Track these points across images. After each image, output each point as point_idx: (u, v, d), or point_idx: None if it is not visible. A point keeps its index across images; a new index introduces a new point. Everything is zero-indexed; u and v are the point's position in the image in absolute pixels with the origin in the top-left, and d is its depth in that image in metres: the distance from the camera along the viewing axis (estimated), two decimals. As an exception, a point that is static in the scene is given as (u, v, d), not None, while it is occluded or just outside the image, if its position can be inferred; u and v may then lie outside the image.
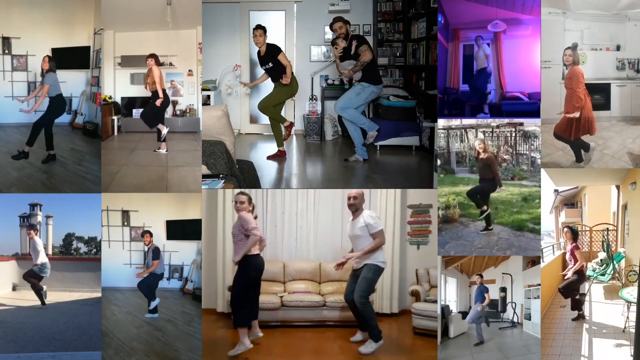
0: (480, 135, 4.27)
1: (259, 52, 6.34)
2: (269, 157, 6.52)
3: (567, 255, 4.42)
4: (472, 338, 4.37)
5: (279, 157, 6.53)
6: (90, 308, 4.39)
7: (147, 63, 4.98)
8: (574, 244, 4.35)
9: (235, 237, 4.03)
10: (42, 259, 4.66)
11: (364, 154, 6.25)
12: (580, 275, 4.36)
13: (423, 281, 5.03)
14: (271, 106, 6.46)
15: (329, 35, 8.39)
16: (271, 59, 6.25)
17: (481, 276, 4.54)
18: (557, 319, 4.40)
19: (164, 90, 5.00)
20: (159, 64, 5.03)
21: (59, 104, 4.51)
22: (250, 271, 4.03)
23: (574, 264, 4.33)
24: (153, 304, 4.60)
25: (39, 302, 4.61)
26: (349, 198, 4.14)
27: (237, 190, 4.20)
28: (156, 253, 4.64)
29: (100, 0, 4.30)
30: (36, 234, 4.65)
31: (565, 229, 4.45)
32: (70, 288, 4.84)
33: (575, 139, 4.17)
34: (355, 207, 4.13)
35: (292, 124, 6.69)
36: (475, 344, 4.27)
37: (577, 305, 4.37)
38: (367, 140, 6.29)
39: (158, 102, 4.96)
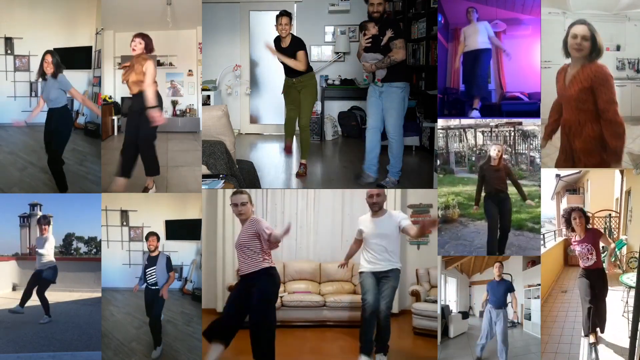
0: (489, 140, 4.20)
1: (279, 43, 5.66)
2: (285, 149, 6.16)
3: (583, 248, 3.51)
4: (472, 338, 4.36)
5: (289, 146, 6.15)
6: (90, 308, 4.39)
7: (132, 48, 3.82)
8: (593, 229, 3.52)
9: (246, 248, 3.40)
10: (53, 259, 4.42)
11: (397, 174, 5.27)
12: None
13: (423, 281, 5.03)
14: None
15: (329, 35, 8.41)
16: (293, 53, 5.57)
17: (502, 265, 3.99)
18: (558, 305, 4.35)
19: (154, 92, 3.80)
20: (150, 50, 3.88)
21: (66, 117, 3.94)
22: (273, 288, 3.45)
23: (597, 257, 3.51)
24: (155, 355, 3.90)
25: (39, 302, 4.58)
26: (371, 196, 3.86)
27: (233, 190, 3.58)
28: (169, 263, 4.05)
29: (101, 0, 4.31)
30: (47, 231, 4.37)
31: (574, 215, 3.57)
32: (70, 288, 4.83)
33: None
34: (379, 206, 3.88)
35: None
36: None
37: (600, 320, 3.65)
38: (385, 183, 5.20)
39: (159, 117, 3.62)
